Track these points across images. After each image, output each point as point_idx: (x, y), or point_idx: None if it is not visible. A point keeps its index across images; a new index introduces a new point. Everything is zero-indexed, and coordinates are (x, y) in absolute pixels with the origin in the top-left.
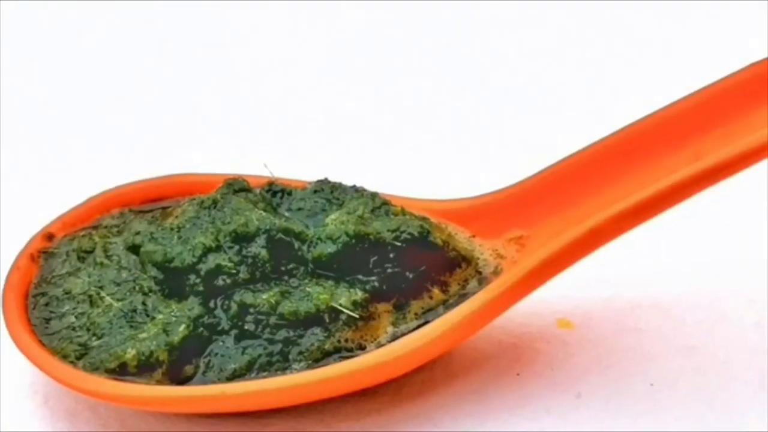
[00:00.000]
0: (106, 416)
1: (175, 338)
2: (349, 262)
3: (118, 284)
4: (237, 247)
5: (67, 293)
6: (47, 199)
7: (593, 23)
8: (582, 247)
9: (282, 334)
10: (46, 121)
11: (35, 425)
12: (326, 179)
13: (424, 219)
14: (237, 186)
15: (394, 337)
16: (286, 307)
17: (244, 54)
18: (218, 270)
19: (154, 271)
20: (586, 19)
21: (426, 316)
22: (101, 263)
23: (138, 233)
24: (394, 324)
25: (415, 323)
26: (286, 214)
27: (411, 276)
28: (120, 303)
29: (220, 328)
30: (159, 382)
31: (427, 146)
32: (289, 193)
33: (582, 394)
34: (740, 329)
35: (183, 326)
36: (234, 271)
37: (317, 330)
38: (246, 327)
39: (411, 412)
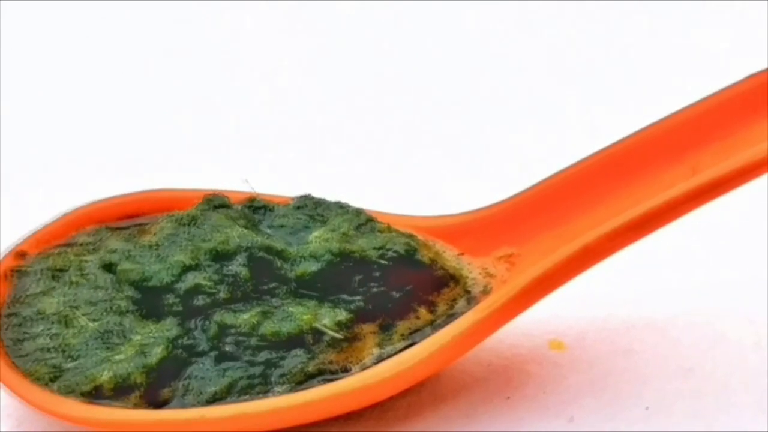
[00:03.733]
0: None
1: (152, 360)
2: (332, 281)
3: (94, 304)
4: (216, 266)
5: (40, 313)
6: (19, 215)
7: (585, 33)
8: (575, 265)
9: (263, 355)
10: (19, 135)
11: None
12: (309, 195)
13: (410, 236)
14: (216, 202)
15: (380, 359)
16: (267, 327)
17: (224, 66)
18: (197, 289)
19: (130, 291)
20: (578, 29)
21: (413, 337)
22: (76, 282)
23: (114, 251)
24: (379, 345)
25: (402, 344)
26: (268, 231)
27: (397, 295)
28: (95, 323)
29: (198, 349)
30: (135, 406)
31: (413, 161)
32: (271, 210)
33: (575, 418)
34: (739, 350)
35: (160, 348)
36: (213, 291)
37: (300, 351)
38: (226, 348)
39: None
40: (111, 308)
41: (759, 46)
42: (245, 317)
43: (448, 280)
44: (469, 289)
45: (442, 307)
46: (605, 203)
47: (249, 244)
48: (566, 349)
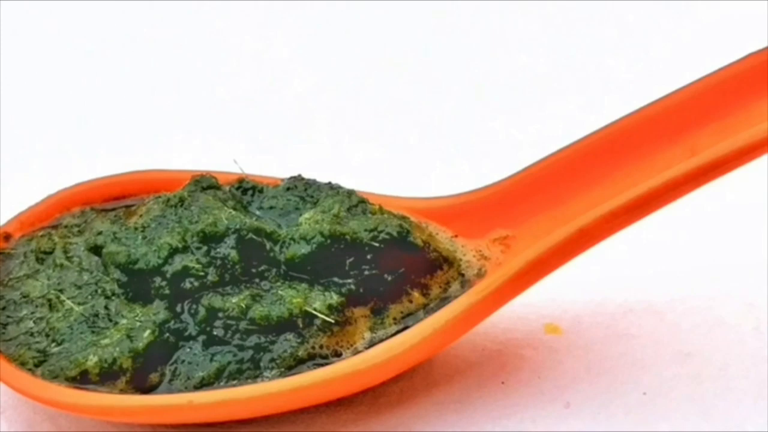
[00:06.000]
0: (67, 427)
1: (140, 344)
2: (323, 263)
3: (79, 287)
4: (205, 248)
5: (25, 297)
6: (3, 196)
7: (579, 12)
8: (570, 247)
9: (253, 340)
10: (2, 117)
11: None
12: (300, 176)
13: (403, 218)
14: (205, 183)
15: (372, 344)
16: (257, 311)
17: (213, 45)
18: (185, 272)
19: (117, 273)
20: (572, 8)
21: (405, 320)
22: (61, 265)
23: (100, 233)
24: (371, 329)
25: (394, 328)
26: (257, 212)
27: (389, 278)
28: (81, 307)
29: (187, 333)
30: (122, 391)
31: (406, 141)
32: (261, 191)
33: (571, 403)
34: (738, 335)
35: (148, 332)
36: (202, 274)
37: (290, 336)
38: (215, 332)
39: (389, 422)
40: (97, 291)
41: (757, 25)
42: (234, 301)
43: (442, 262)
44: (463, 272)
45: (435, 291)
46: (602, 184)
47: (238, 226)
48: (562, 334)
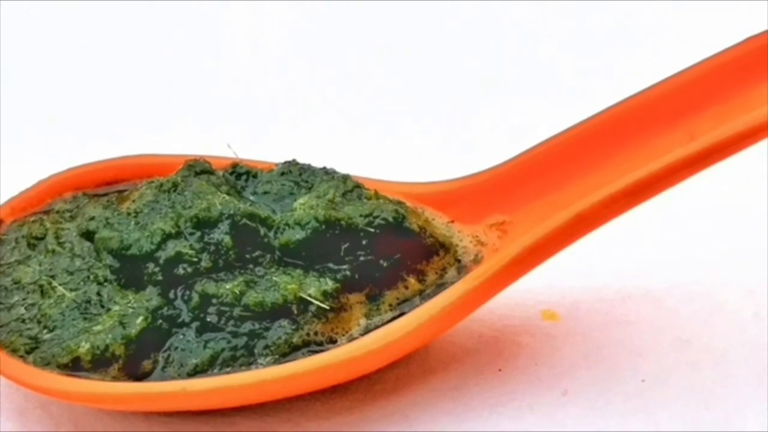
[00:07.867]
0: (59, 415)
1: (133, 331)
2: (318, 249)
3: (71, 273)
4: (198, 234)
5: (16, 283)
6: None
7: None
8: (568, 233)
9: (247, 326)
10: None
11: None
12: (294, 160)
13: (399, 203)
14: (198, 168)
15: (367, 330)
16: (251, 297)
17: (206, 29)
18: (178, 258)
19: (109, 259)
20: None
21: (401, 307)
22: (53, 251)
23: (92, 218)
24: (367, 316)
25: (390, 315)
26: (251, 198)
27: (385, 264)
28: (73, 293)
29: (180, 320)
30: (115, 378)
31: (402, 126)
32: (255, 176)
33: (568, 390)
34: (738, 321)
35: (141, 318)
36: (195, 259)
37: (285, 322)
38: (208, 319)
39: (385, 410)
40: (89, 277)
41: (757, 9)
42: (228, 287)
43: (438, 248)
44: (460, 257)
45: (431, 277)
46: (600, 169)
47: (232, 212)
48: (560, 320)
